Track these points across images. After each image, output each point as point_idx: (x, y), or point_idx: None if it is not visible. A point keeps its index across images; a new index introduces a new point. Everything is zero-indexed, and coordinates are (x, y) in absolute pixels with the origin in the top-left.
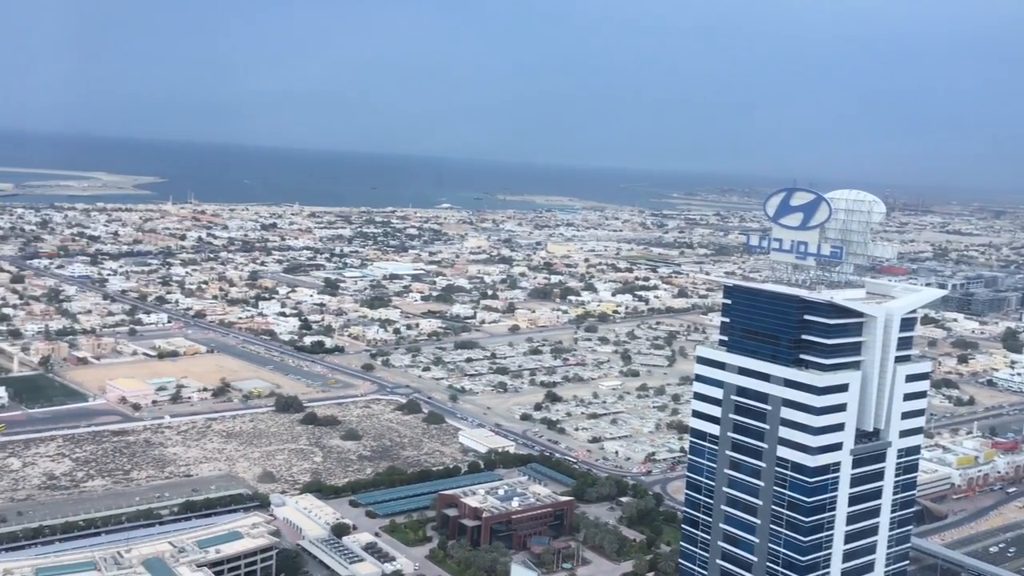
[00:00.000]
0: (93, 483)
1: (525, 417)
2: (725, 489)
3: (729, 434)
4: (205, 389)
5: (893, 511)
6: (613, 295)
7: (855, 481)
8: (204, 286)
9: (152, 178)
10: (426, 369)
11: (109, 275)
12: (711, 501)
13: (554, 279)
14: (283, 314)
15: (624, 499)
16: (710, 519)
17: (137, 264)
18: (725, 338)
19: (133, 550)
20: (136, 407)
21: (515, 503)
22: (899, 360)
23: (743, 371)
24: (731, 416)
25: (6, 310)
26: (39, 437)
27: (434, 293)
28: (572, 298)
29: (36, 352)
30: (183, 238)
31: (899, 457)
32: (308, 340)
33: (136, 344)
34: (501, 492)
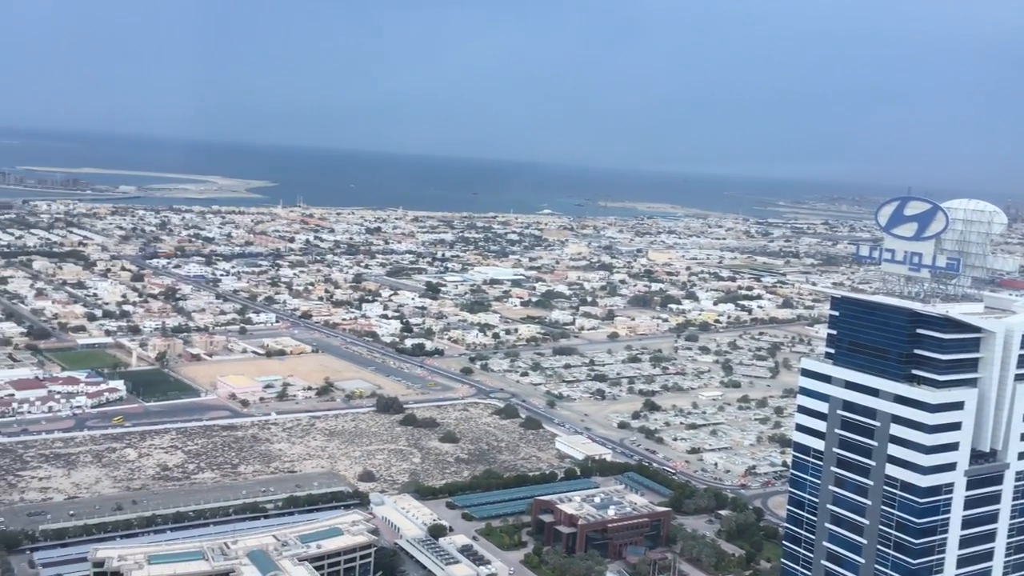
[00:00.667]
0: (203, 475)
1: (622, 425)
2: (829, 506)
3: (834, 450)
4: (310, 388)
5: (1010, 536)
6: (715, 304)
7: (969, 503)
8: (310, 287)
9: (263, 182)
10: (524, 374)
11: (222, 275)
12: (814, 518)
13: (654, 287)
14: (385, 316)
15: (723, 512)
16: (813, 537)
17: (248, 265)
18: (832, 351)
19: (239, 542)
20: (245, 403)
21: (611, 511)
22: (1019, 378)
23: (850, 385)
24: (837, 431)
25: (127, 307)
26: (154, 429)
27: (533, 298)
28: (673, 306)
29: (153, 348)
30: (292, 240)
31: (1017, 480)
32: (409, 342)
33: (246, 342)
34: (597, 500)
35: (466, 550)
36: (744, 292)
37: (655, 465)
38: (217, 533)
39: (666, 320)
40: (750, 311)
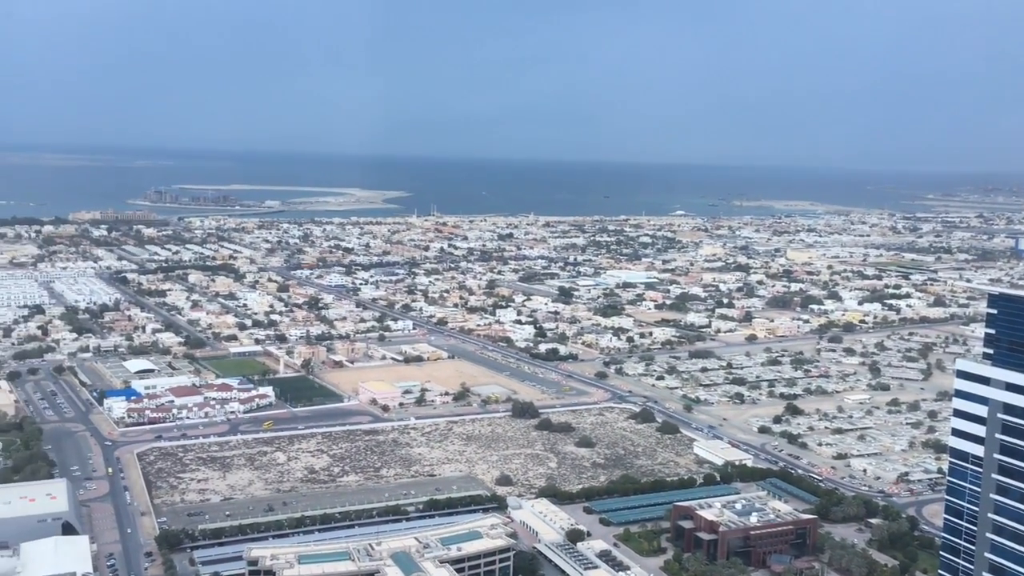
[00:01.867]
0: (347, 478)
1: (763, 430)
2: (991, 516)
3: (995, 456)
4: (446, 393)
5: None
6: (860, 304)
7: None
8: (445, 295)
9: (399, 192)
10: (660, 378)
11: (361, 284)
12: (974, 528)
13: (794, 287)
14: (519, 322)
15: (874, 521)
16: (973, 547)
17: (385, 274)
18: (990, 351)
19: (383, 543)
20: (385, 408)
21: (754, 518)
22: None
23: (1012, 387)
24: (997, 436)
25: (274, 317)
26: (301, 434)
27: (668, 301)
28: (814, 307)
29: (299, 355)
30: (426, 249)
31: None
32: (543, 347)
33: (385, 349)
34: (739, 506)
35: (605, 555)
36: (891, 291)
37: (799, 471)
38: (362, 535)
39: (807, 321)
40: (898, 310)
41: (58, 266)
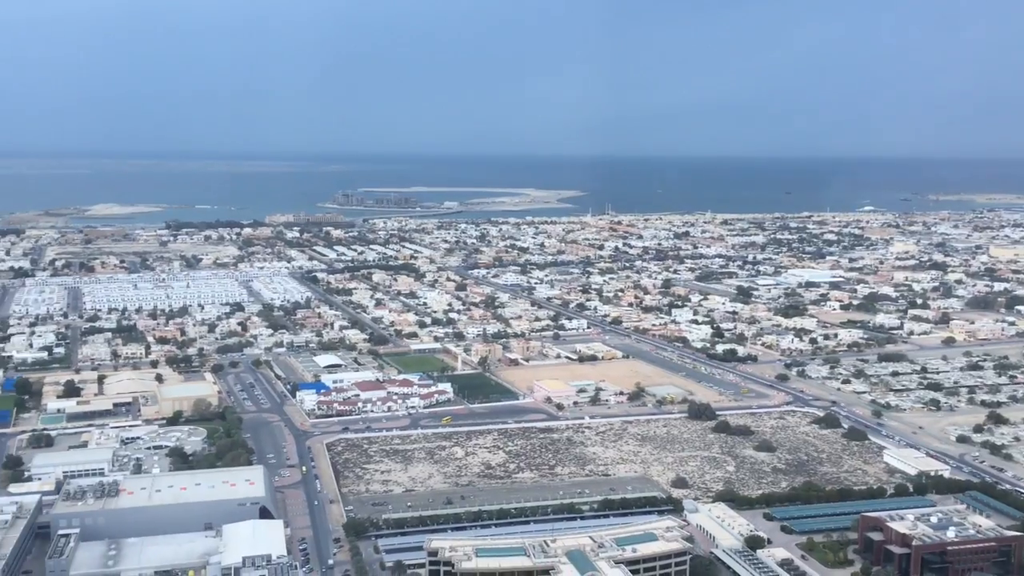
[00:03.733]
0: (523, 475)
1: (962, 439)
2: None
3: None
4: (621, 393)
5: None
6: None
7: None
8: (620, 294)
9: (574, 192)
10: (845, 382)
11: (536, 283)
12: None
13: (998, 287)
14: (695, 321)
15: None
16: None
17: (560, 273)
18: None
19: (558, 540)
20: (559, 407)
21: (951, 533)
22: None
23: None
24: None
25: (452, 315)
26: (478, 430)
27: (855, 302)
28: (1021, 308)
29: (475, 353)
30: (601, 248)
31: None
32: (720, 348)
33: (559, 348)
34: (934, 520)
35: (786, 565)
36: None
37: (1004, 484)
38: (537, 531)
39: (1013, 323)
40: None
41: (256, 266)
